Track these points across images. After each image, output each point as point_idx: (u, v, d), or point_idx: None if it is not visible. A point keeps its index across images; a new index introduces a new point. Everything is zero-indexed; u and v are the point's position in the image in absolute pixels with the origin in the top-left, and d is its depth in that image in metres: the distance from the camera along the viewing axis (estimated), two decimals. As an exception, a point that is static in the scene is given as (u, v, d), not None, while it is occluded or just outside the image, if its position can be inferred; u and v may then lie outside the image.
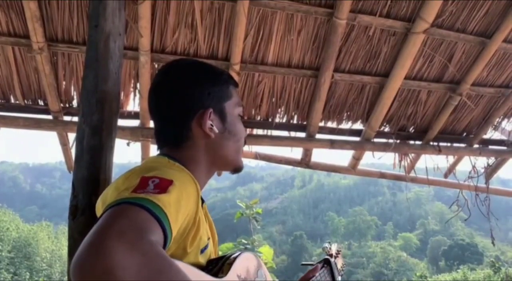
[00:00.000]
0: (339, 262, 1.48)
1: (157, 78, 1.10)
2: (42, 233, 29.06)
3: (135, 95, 2.57)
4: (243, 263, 1.00)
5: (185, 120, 1.02)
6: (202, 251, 0.93)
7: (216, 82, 1.06)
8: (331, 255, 1.43)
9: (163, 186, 0.77)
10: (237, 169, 1.11)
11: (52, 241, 29.65)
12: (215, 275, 0.93)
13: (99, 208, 0.94)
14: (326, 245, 1.49)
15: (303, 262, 1.42)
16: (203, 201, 1.03)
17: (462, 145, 3.37)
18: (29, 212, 62.24)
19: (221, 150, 1.06)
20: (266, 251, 4.00)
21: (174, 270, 0.63)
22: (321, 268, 1.35)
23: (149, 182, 0.77)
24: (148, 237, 0.63)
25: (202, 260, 0.94)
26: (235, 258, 0.97)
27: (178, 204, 0.77)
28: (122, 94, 2.48)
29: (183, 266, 0.81)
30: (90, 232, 0.62)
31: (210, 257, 1.00)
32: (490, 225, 3.70)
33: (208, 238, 0.99)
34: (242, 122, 1.13)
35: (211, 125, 1.02)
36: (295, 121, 2.91)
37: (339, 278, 1.44)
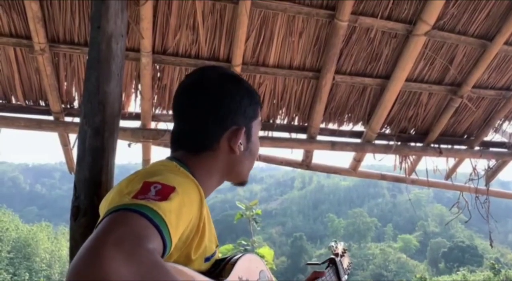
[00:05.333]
0: (345, 261, 1.46)
1: (195, 76, 1.07)
2: (41, 233, 29.07)
3: (136, 96, 2.57)
4: (245, 264, 1.00)
5: (216, 131, 1.01)
6: (207, 259, 0.92)
7: (252, 101, 1.07)
8: (337, 254, 1.41)
9: (165, 192, 0.77)
10: (243, 183, 1.13)
11: (52, 242, 29.66)
12: (216, 277, 0.93)
13: (102, 210, 0.94)
14: (333, 244, 1.47)
15: (309, 262, 1.41)
16: None
17: (463, 147, 3.37)
18: (29, 212, 62.13)
19: (238, 167, 1.07)
20: (266, 252, 3.99)
21: (170, 279, 0.63)
22: (327, 267, 1.34)
23: (151, 187, 0.77)
24: (146, 246, 0.63)
25: (206, 268, 0.93)
26: (237, 260, 0.97)
27: (179, 212, 0.77)
28: (123, 95, 2.48)
29: (183, 271, 0.81)
30: (88, 238, 0.62)
31: None
32: (489, 227, 3.70)
33: (217, 246, 0.98)
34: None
35: (240, 143, 1.03)
36: (296, 123, 2.91)
37: (345, 277, 1.42)
